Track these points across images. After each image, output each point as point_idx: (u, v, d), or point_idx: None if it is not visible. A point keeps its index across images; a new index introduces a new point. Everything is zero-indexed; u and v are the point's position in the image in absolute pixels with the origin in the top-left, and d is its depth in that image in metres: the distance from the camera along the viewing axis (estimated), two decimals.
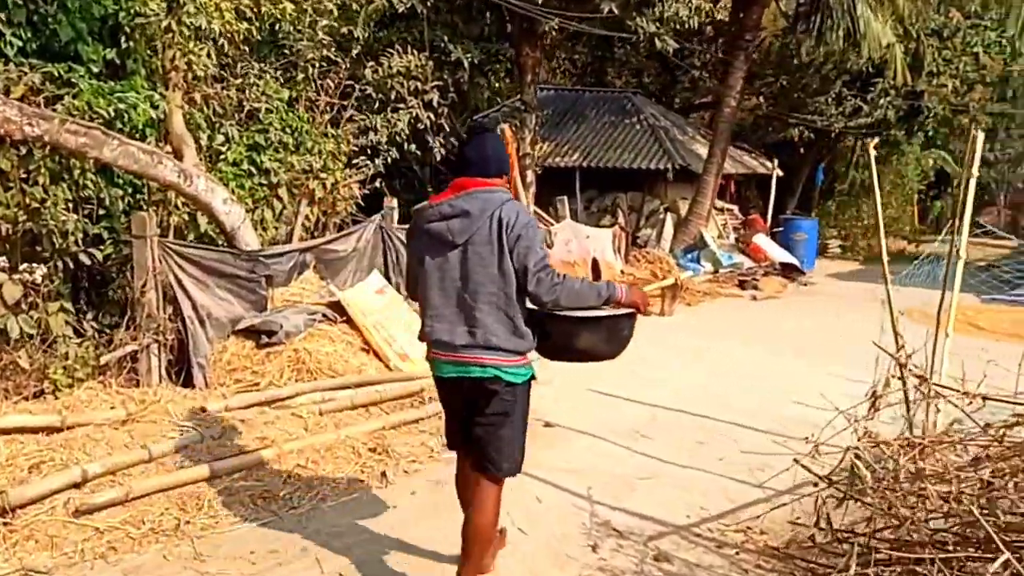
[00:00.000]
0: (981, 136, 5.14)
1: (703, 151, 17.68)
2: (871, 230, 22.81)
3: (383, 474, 5.18)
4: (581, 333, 3.46)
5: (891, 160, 24.21)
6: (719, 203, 17.48)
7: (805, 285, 15.09)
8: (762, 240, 16.18)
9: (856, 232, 22.48)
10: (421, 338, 3.56)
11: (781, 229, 17.22)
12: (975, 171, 5.15)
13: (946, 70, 19.34)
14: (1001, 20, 19.67)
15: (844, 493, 3.07)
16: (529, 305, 3.40)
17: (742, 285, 14.26)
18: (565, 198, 14.27)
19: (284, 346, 6.92)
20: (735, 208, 19.24)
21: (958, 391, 3.25)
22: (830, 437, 4.09)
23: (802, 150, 21.40)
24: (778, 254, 15.81)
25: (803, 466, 3.61)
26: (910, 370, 3.30)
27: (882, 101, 19.48)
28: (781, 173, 19.70)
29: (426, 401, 6.63)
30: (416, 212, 3.54)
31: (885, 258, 4.57)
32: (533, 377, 3.50)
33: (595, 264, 13.89)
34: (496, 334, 3.33)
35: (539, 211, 14.32)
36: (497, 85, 18.00)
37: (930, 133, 22.00)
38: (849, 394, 7.33)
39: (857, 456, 3.16)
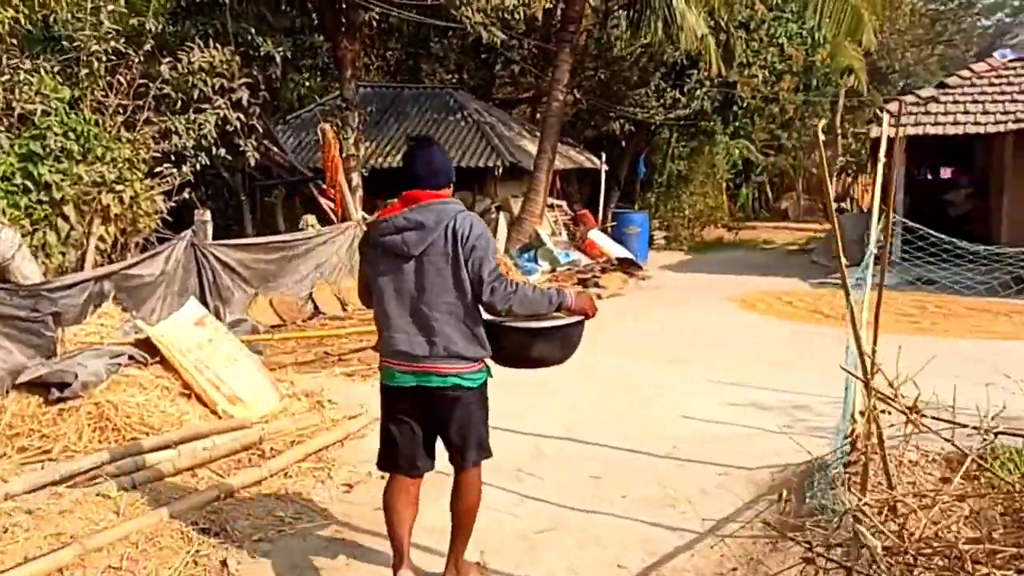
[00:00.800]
0: (888, 119, 4.70)
1: (530, 147, 17.22)
2: (693, 221, 23.26)
3: (223, 563, 4.10)
4: (536, 343, 3.64)
5: (704, 150, 24.80)
6: (549, 200, 17.05)
7: (644, 280, 14.86)
8: (597, 236, 15.88)
9: (678, 223, 22.80)
10: (376, 349, 3.65)
11: (614, 224, 17.01)
12: (883, 155, 4.71)
13: (755, 61, 19.82)
14: (800, 12, 20.44)
15: (849, 569, 2.41)
16: (484, 315, 3.52)
17: (583, 283, 13.81)
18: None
19: (82, 400, 5.63)
20: (563, 204, 18.92)
21: (962, 425, 2.65)
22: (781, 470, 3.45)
23: (623, 143, 21.40)
24: (614, 249, 15.54)
25: (797, 540, 2.90)
26: (895, 404, 2.66)
27: (698, 92, 19.73)
28: (607, 167, 19.60)
29: (267, 454, 5.56)
30: (370, 225, 3.62)
31: (843, 261, 3.97)
32: (490, 375, 3.65)
33: None
34: (455, 342, 3.44)
35: (369, 216, 13.29)
36: (310, 84, 16.74)
37: (737, 124, 22.59)
38: (732, 402, 6.86)
39: (858, 519, 2.49)
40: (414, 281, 3.42)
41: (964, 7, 34.44)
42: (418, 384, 3.47)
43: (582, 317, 3.67)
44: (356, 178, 13.03)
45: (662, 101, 19.36)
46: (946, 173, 20.63)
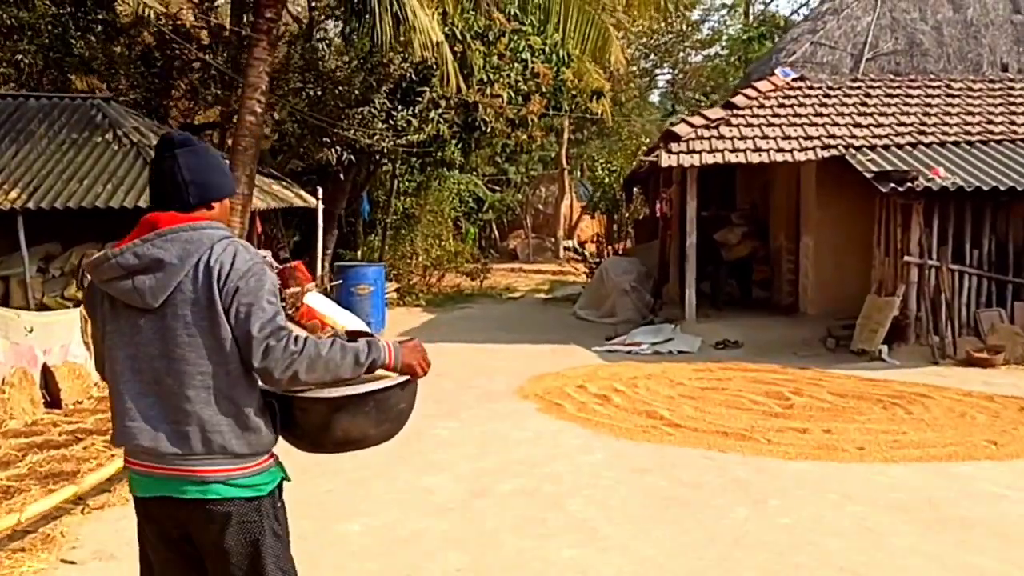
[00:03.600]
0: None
1: None
2: (430, 268, 19.59)
3: None
4: (339, 417, 2.40)
5: (431, 185, 21.34)
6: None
7: None
8: (316, 300, 11.54)
9: (411, 272, 18.99)
10: (114, 442, 2.47)
11: (339, 281, 12.74)
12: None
13: (498, 78, 16.61)
14: (542, 26, 17.67)
15: None
16: (263, 385, 2.37)
17: None
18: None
19: None
20: (268, 254, 14.38)
21: None
22: None
23: (341, 176, 17.23)
24: (343, 318, 11.24)
25: None
26: None
27: (433, 114, 16.13)
28: (323, 206, 15.41)
29: None
30: (90, 266, 2.43)
31: None
32: (285, 479, 2.46)
33: (46, 371, 8.19)
34: (219, 430, 2.30)
35: None
36: None
37: (480, 151, 19.38)
38: None
39: None
40: (157, 344, 2.32)
41: (677, 41, 34.09)
42: (165, 495, 2.32)
43: (407, 378, 2.45)
44: None
45: (391, 123, 15.47)
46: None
